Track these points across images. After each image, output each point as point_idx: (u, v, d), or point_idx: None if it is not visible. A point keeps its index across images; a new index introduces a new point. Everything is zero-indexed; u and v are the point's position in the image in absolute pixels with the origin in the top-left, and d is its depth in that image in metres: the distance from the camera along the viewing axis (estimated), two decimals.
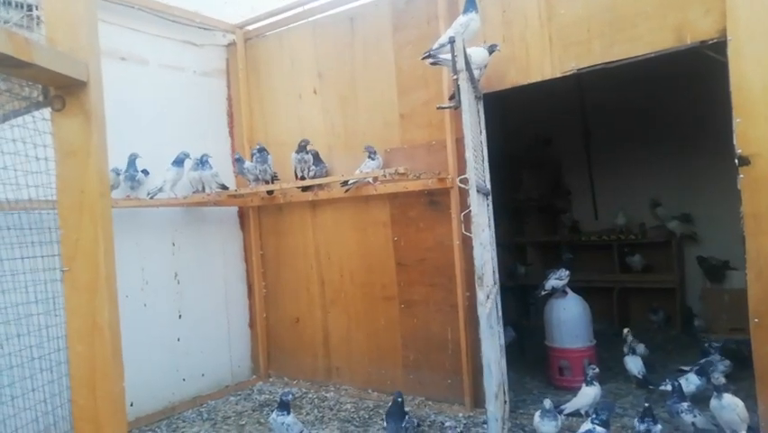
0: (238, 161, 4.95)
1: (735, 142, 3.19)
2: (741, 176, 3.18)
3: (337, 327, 4.99)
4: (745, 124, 3.16)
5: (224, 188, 4.92)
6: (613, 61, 3.58)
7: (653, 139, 6.08)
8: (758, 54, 3.10)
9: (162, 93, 4.81)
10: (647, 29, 3.47)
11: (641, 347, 4.59)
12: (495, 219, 3.92)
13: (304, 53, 5.03)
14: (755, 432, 3.19)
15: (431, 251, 4.34)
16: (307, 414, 4.41)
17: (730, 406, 3.18)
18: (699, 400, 3.69)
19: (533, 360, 5.05)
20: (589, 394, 3.79)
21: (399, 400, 3.53)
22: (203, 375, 4.92)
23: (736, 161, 3.18)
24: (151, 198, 4.44)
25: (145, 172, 4.44)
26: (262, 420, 4.32)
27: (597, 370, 3.90)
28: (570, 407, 3.82)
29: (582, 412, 3.78)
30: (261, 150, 4.81)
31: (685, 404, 3.42)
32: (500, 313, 3.92)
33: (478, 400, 4.11)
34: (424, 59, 3.54)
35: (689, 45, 3.35)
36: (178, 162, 4.57)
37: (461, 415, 4.11)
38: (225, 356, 5.19)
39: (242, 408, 4.67)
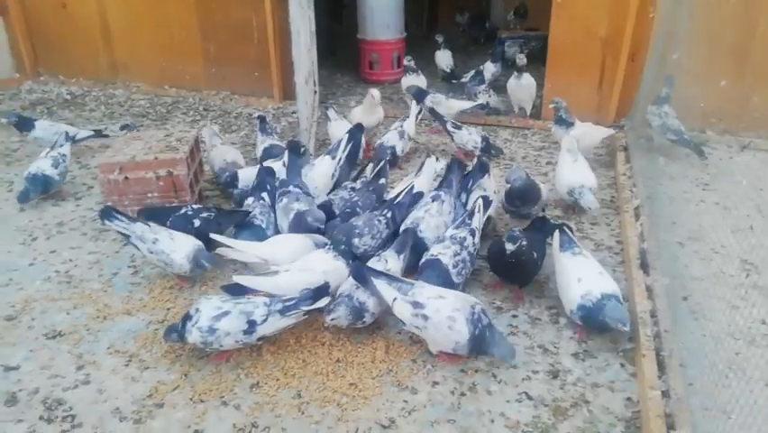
0: None
1: None
2: None
3: (117, 14, 4.17)
4: None
5: None
6: None
7: None
8: None
9: None
10: None
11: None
12: None
13: None
14: (537, 110, 3.57)
15: None
16: (92, 111, 3.88)
17: (527, 85, 3.43)
18: (495, 87, 3.91)
19: (344, 59, 4.90)
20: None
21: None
22: None
23: None
24: None
25: None
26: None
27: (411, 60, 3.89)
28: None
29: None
30: None
31: (483, 86, 3.64)
32: None
33: (287, 93, 3.93)
34: None
35: None
36: None
37: (270, 107, 3.94)
38: None
39: (7, 107, 3.94)
